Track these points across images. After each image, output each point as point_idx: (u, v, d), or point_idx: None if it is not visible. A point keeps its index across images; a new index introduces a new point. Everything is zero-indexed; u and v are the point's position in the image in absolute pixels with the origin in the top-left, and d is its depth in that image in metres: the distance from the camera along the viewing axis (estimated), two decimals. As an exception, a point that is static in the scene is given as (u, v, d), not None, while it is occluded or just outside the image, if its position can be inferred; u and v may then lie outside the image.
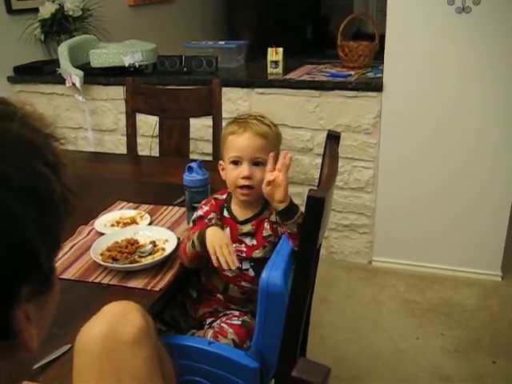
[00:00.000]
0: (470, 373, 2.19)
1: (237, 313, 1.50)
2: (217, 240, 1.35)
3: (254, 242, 1.46)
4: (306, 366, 0.55)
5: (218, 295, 1.52)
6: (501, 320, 2.50)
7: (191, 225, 1.53)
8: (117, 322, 0.86)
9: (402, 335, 2.43)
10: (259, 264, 1.41)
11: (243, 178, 1.42)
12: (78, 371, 0.84)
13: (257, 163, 1.43)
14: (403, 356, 2.30)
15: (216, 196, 1.55)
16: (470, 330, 2.44)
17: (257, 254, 1.45)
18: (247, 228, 1.48)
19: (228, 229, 1.48)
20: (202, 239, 1.37)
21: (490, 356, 2.28)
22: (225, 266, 1.32)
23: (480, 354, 2.29)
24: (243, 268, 1.47)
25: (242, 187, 1.44)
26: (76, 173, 0.62)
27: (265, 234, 1.47)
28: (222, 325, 1.44)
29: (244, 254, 1.46)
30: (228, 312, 1.51)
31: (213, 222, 1.47)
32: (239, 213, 1.50)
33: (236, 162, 1.44)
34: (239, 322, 1.44)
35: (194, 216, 1.52)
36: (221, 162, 1.53)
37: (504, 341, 2.37)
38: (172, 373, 1.04)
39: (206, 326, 1.51)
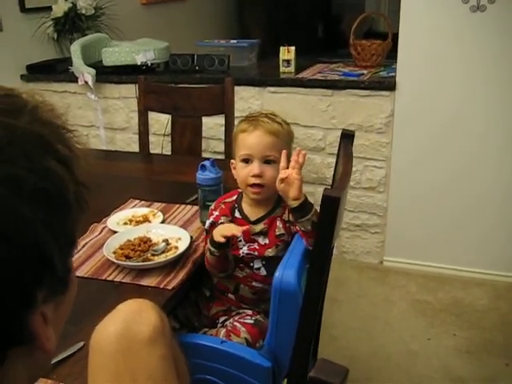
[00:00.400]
0: (482, 374, 2.18)
1: (250, 312, 1.50)
2: (221, 228, 1.40)
3: (267, 241, 1.46)
4: (324, 366, 0.55)
5: (230, 295, 1.52)
6: (513, 321, 2.49)
7: (204, 234, 1.55)
8: (132, 321, 0.86)
9: (414, 336, 2.42)
10: (271, 263, 1.41)
11: (253, 176, 1.41)
12: (93, 370, 0.84)
13: (268, 161, 1.42)
14: (414, 357, 2.29)
15: (225, 200, 1.53)
16: (481, 331, 2.42)
17: (269, 252, 1.45)
18: (259, 227, 1.47)
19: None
20: (213, 243, 1.39)
21: (503, 358, 2.26)
22: (235, 232, 1.36)
23: (492, 356, 2.28)
24: (255, 267, 1.46)
25: (252, 185, 1.43)
26: (89, 165, 0.61)
27: (277, 232, 1.46)
28: (235, 323, 1.44)
29: (256, 253, 1.45)
30: (241, 311, 1.51)
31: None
32: (250, 212, 1.49)
33: (247, 160, 1.43)
34: (252, 322, 1.44)
35: (207, 225, 1.51)
36: (232, 160, 1.51)
37: (516, 342, 2.35)
38: (186, 372, 1.04)
39: (219, 325, 1.51)
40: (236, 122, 1.89)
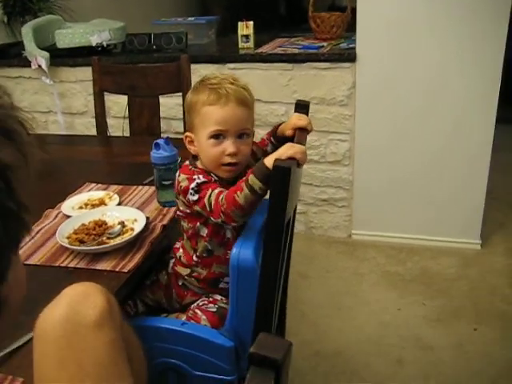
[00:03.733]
0: (452, 341, 2.19)
1: (218, 297, 1.42)
2: (275, 155, 1.13)
3: None
4: (266, 341, 0.51)
5: (226, 279, 1.38)
6: (481, 288, 2.50)
7: (196, 196, 1.27)
8: (77, 304, 0.82)
9: (384, 307, 2.42)
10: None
11: (229, 155, 1.27)
12: (37, 358, 0.80)
13: (241, 135, 1.29)
14: (385, 328, 2.29)
15: (191, 167, 1.34)
16: (450, 299, 2.44)
17: None
18: None
19: None
20: (264, 175, 1.13)
21: (472, 323, 2.27)
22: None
23: (461, 322, 2.29)
24: None
25: (227, 164, 1.29)
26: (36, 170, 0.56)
27: None
28: (196, 310, 1.38)
29: None
30: (210, 295, 1.43)
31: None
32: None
33: (217, 136, 1.28)
34: (214, 310, 1.37)
35: (193, 185, 1.27)
36: (188, 133, 1.35)
37: (485, 307, 2.37)
38: (141, 356, 1.00)
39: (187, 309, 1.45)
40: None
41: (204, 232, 1.35)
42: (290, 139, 1.30)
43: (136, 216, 1.46)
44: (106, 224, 1.44)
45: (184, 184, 1.30)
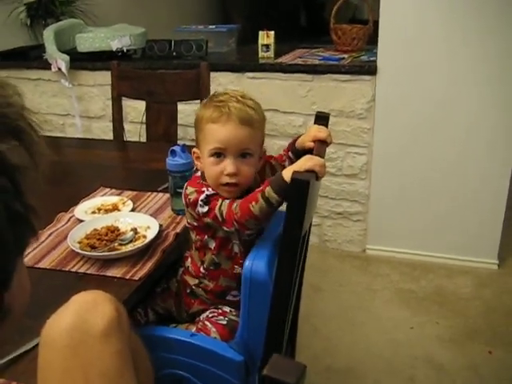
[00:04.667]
0: (465, 362, 2.14)
1: (227, 309, 1.39)
2: (294, 167, 1.12)
3: None
4: (279, 363, 0.49)
5: (233, 292, 1.38)
6: (497, 309, 2.45)
7: (206, 208, 1.25)
8: (86, 313, 0.80)
9: (396, 325, 2.38)
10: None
11: (228, 175, 1.24)
12: (43, 366, 0.78)
13: (243, 155, 1.26)
14: (397, 346, 2.25)
15: (199, 181, 1.33)
16: (465, 319, 2.39)
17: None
18: None
19: None
20: (281, 188, 1.12)
21: (486, 346, 2.22)
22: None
23: (475, 344, 2.24)
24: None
25: (226, 184, 1.26)
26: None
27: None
28: (206, 322, 1.35)
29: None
30: (219, 306, 1.41)
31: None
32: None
33: (218, 155, 1.25)
34: (225, 322, 1.35)
35: (204, 196, 1.26)
36: (195, 149, 1.32)
37: (501, 330, 2.31)
38: (149, 367, 0.98)
39: (196, 319, 1.43)
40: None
41: (212, 245, 1.33)
42: (309, 151, 1.28)
43: (149, 223, 1.44)
44: (118, 230, 1.43)
45: (192, 197, 1.28)
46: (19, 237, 0.53)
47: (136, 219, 1.47)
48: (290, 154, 1.42)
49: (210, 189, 1.27)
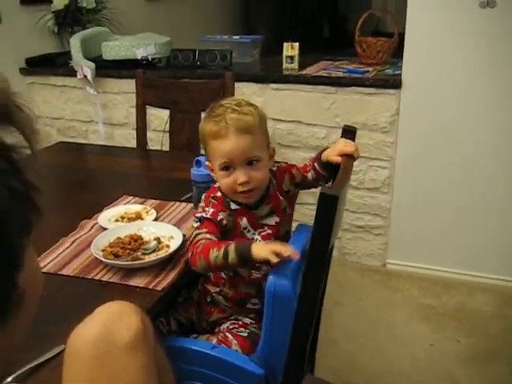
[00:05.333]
0: (485, 382, 2.10)
1: (248, 321, 1.40)
2: (268, 246, 1.17)
3: (277, 219, 1.37)
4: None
5: (253, 300, 1.40)
6: (520, 328, 2.41)
7: (196, 224, 1.34)
8: (112, 324, 0.80)
9: (416, 341, 2.35)
10: (285, 240, 1.33)
11: (241, 184, 1.28)
12: (67, 377, 0.78)
13: (251, 162, 1.28)
14: (417, 362, 2.22)
15: (214, 195, 1.37)
16: (486, 338, 2.35)
17: (283, 228, 1.38)
18: (265, 209, 1.36)
19: (245, 219, 1.34)
20: (242, 254, 1.18)
21: (507, 366, 2.18)
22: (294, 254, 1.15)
23: (496, 364, 2.20)
24: None
25: (242, 192, 1.30)
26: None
27: (283, 206, 1.38)
28: (227, 334, 1.35)
29: (272, 238, 1.35)
30: (239, 317, 1.42)
31: (224, 222, 1.33)
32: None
33: (227, 168, 1.28)
34: (245, 334, 1.35)
35: (199, 215, 1.34)
36: (207, 163, 1.37)
37: (523, 350, 2.28)
38: (172, 380, 0.97)
39: (216, 330, 1.43)
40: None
41: None
42: (335, 165, 1.29)
43: (172, 233, 1.44)
44: (141, 239, 1.43)
45: (198, 209, 1.37)
46: (21, 214, 0.53)
47: (159, 228, 1.47)
48: (315, 165, 1.42)
49: (211, 210, 1.33)
